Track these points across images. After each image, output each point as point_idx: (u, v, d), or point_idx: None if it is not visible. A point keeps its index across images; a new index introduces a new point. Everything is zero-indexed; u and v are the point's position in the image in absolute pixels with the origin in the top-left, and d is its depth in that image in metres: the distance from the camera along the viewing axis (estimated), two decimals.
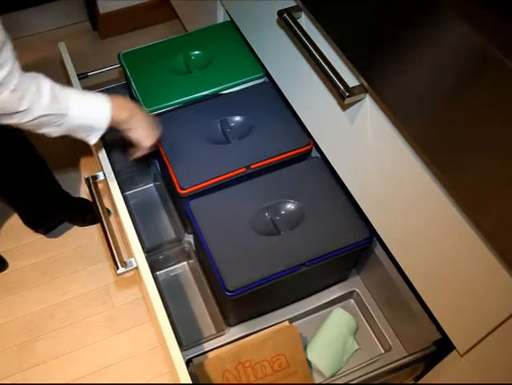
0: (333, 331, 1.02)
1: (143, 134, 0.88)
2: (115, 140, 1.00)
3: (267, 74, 1.09)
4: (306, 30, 0.76)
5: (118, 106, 0.82)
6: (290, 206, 0.95)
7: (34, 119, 0.73)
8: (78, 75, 1.09)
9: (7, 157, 1.13)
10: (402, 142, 0.67)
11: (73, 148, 1.54)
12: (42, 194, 1.27)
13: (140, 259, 0.81)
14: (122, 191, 0.91)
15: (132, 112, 0.84)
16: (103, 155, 0.94)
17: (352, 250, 0.92)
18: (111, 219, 1.34)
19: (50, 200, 1.31)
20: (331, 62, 0.72)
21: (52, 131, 0.77)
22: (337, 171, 0.89)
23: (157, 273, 1.16)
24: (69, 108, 0.75)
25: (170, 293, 1.14)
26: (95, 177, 0.94)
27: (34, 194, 1.26)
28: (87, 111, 0.78)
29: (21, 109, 0.71)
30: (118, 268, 0.82)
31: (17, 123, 0.73)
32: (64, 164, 1.42)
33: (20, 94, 0.70)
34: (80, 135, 0.81)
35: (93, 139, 0.82)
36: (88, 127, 0.80)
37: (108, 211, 1.35)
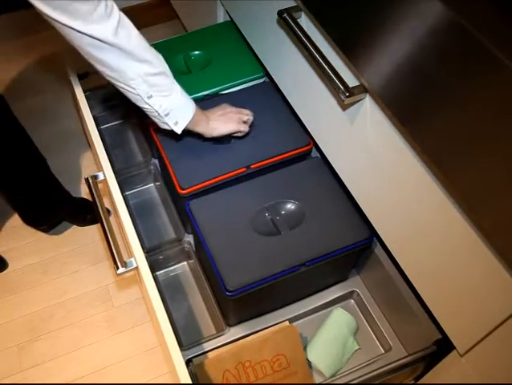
0: (333, 331, 1.01)
1: (224, 127, 0.94)
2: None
3: (267, 74, 1.10)
4: (306, 30, 0.76)
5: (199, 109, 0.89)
6: (290, 206, 0.95)
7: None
8: (78, 75, 1.09)
9: (8, 155, 1.13)
10: (402, 142, 0.67)
11: (73, 148, 1.54)
12: (42, 192, 1.27)
13: (140, 259, 0.81)
14: (122, 191, 0.90)
15: (206, 115, 0.91)
16: (103, 155, 0.94)
17: (352, 250, 0.92)
18: (111, 219, 1.34)
19: (51, 199, 1.31)
20: (331, 62, 0.72)
21: (154, 102, 0.81)
22: (337, 171, 0.89)
23: (157, 273, 1.16)
24: (174, 90, 0.82)
25: (170, 293, 1.14)
26: (95, 177, 0.94)
27: (34, 192, 1.26)
28: (182, 100, 0.84)
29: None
30: (118, 268, 0.82)
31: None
32: (64, 163, 1.42)
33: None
34: (166, 120, 0.84)
35: (177, 128, 0.86)
36: (178, 117, 0.85)
37: (108, 211, 1.35)
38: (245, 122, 0.97)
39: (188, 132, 0.91)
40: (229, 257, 0.88)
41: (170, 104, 0.82)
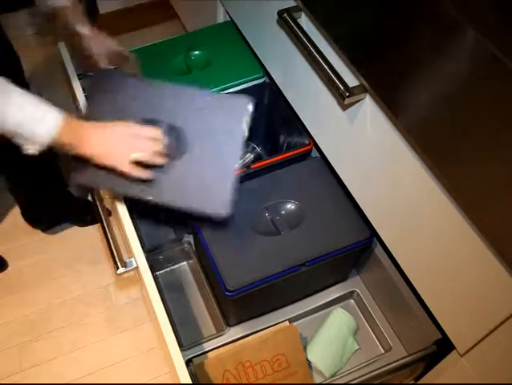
0: (333, 331, 1.01)
1: (105, 159, 0.74)
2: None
3: (267, 74, 1.10)
4: (306, 30, 0.76)
5: (69, 127, 0.72)
6: (290, 206, 0.95)
7: None
8: (78, 75, 1.09)
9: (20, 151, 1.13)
10: (402, 142, 0.67)
11: None
12: (47, 187, 1.27)
13: (140, 259, 0.81)
14: None
15: (84, 136, 0.73)
16: None
17: (352, 250, 0.91)
18: (111, 219, 1.34)
19: (54, 196, 1.31)
20: (331, 62, 0.72)
21: None
22: (337, 171, 0.89)
23: (157, 273, 1.16)
24: (9, 117, 0.69)
25: (170, 293, 1.14)
26: None
27: (39, 186, 1.26)
28: (25, 121, 0.71)
29: None
30: (118, 268, 0.82)
31: None
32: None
33: None
34: (18, 141, 0.72)
35: (29, 150, 0.73)
36: (28, 138, 0.71)
37: (108, 211, 1.35)
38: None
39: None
40: (229, 257, 0.88)
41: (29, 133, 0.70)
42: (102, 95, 0.85)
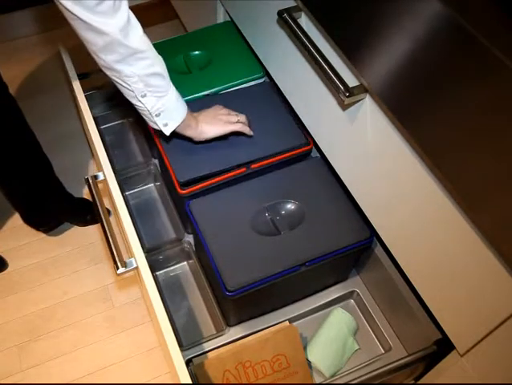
0: (333, 331, 1.01)
1: (213, 130, 0.93)
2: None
3: (267, 74, 1.10)
4: (306, 30, 0.76)
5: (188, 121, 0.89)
6: (290, 206, 0.95)
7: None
8: (78, 75, 1.09)
9: (14, 155, 1.13)
10: (402, 142, 0.67)
11: (73, 148, 1.54)
12: (45, 194, 1.27)
13: (140, 259, 0.81)
14: (122, 191, 0.91)
15: (195, 118, 0.91)
16: (103, 155, 0.94)
17: (352, 250, 0.92)
18: (111, 219, 1.34)
19: (53, 201, 1.31)
20: (331, 62, 0.72)
21: (147, 102, 0.80)
22: (337, 171, 0.90)
23: (157, 273, 1.16)
24: (169, 90, 0.82)
25: (170, 293, 1.14)
26: (95, 177, 0.94)
27: (37, 193, 1.26)
28: (176, 100, 0.84)
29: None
30: (118, 268, 0.82)
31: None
32: (64, 163, 1.42)
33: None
34: (156, 120, 0.84)
35: (166, 130, 0.86)
36: (168, 117, 0.84)
37: (108, 211, 1.35)
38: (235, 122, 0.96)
39: (177, 135, 0.91)
40: (229, 257, 0.88)
41: (162, 106, 0.82)
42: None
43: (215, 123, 0.94)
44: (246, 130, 0.97)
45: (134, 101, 0.82)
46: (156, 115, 0.83)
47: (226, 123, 0.94)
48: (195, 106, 0.95)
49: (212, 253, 0.89)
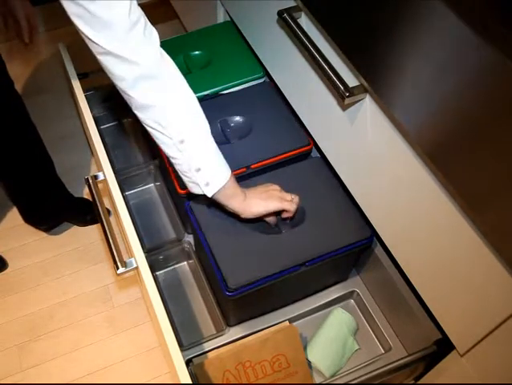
0: (333, 331, 1.01)
1: (265, 205, 0.82)
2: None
3: (267, 74, 1.10)
4: (306, 30, 0.76)
5: (234, 178, 0.79)
6: None
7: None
8: (78, 75, 1.09)
9: (18, 151, 1.14)
10: (402, 142, 0.67)
11: (73, 148, 1.54)
12: (46, 192, 1.28)
13: (140, 259, 0.81)
14: (122, 191, 0.90)
15: (240, 189, 0.81)
16: (103, 155, 0.94)
17: (352, 250, 0.91)
18: (111, 219, 1.34)
19: (54, 199, 1.31)
20: (331, 62, 0.72)
21: (174, 155, 0.73)
22: (337, 171, 0.90)
23: (157, 273, 1.16)
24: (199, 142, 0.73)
25: (170, 293, 1.14)
26: (95, 177, 0.94)
27: (39, 192, 1.26)
28: (211, 160, 0.75)
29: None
30: (118, 268, 0.82)
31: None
32: (64, 163, 1.42)
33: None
34: (191, 179, 0.75)
35: (202, 191, 0.76)
36: (203, 177, 0.75)
37: (108, 211, 1.35)
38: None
39: (222, 209, 0.84)
40: (230, 257, 0.88)
41: (203, 156, 0.73)
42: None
43: (266, 198, 0.82)
44: (293, 210, 0.85)
45: (171, 151, 0.72)
46: (197, 170, 0.73)
47: (280, 199, 0.83)
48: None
49: (212, 253, 0.89)
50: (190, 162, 0.73)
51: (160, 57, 0.67)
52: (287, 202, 0.83)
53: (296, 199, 0.85)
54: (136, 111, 0.71)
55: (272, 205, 0.82)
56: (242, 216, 0.83)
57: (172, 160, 0.75)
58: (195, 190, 0.77)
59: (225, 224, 0.92)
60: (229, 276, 0.86)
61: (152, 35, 0.65)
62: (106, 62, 0.65)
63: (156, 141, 0.73)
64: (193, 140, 0.72)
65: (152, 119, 0.70)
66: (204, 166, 0.74)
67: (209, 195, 0.77)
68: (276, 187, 0.86)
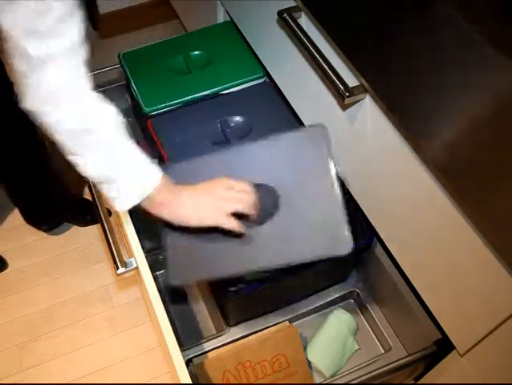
0: (333, 331, 1.01)
1: (200, 219, 0.70)
2: None
3: (267, 74, 1.09)
4: (306, 30, 0.76)
5: (165, 186, 0.69)
6: None
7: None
8: None
9: (18, 151, 1.14)
10: (402, 142, 0.67)
11: None
12: (47, 192, 1.28)
13: (140, 259, 0.81)
14: None
15: (176, 196, 0.70)
16: None
17: (352, 250, 0.91)
18: (111, 219, 1.34)
19: (54, 199, 1.31)
20: (331, 62, 0.72)
21: (87, 166, 0.65)
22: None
23: (157, 273, 1.16)
24: (117, 156, 0.66)
25: (170, 293, 1.14)
26: None
27: (39, 190, 1.26)
28: (131, 173, 0.67)
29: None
30: (118, 268, 0.82)
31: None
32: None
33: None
34: (108, 193, 0.68)
35: (121, 207, 0.68)
36: (122, 190, 0.67)
37: (108, 211, 1.35)
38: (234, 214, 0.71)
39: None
40: (180, 254, 0.86)
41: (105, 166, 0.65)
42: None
43: (206, 210, 0.70)
44: (235, 228, 0.71)
45: (94, 179, 0.67)
46: (120, 196, 0.67)
47: (220, 213, 0.70)
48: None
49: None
50: (113, 189, 0.67)
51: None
52: (226, 219, 0.70)
53: (241, 208, 0.71)
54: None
55: (209, 220, 0.70)
56: (174, 224, 0.72)
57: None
58: (111, 202, 0.69)
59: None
60: (172, 272, 0.78)
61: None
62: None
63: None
64: (118, 180, 0.67)
65: (76, 164, 0.66)
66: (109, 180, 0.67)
67: (118, 209, 0.69)
68: (225, 194, 0.71)
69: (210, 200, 0.70)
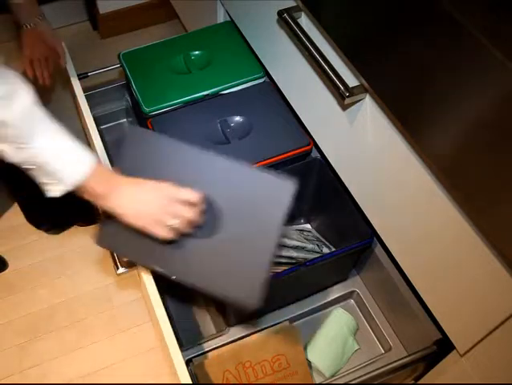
0: (333, 331, 1.01)
1: (134, 218, 0.69)
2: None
3: (267, 74, 1.10)
4: (306, 30, 0.76)
5: (101, 174, 0.67)
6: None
7: None
8: (78, 75, 1.09)
9: None
10: (402, 142, 0.67)
11: None
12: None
13: None
14: None
15: (114, 188, 0.68)
16: (103, 155, 0.94)
17: (352, 250, 0.92)
18: None
19: (54, 199, 1.31)
20: (331, 62, 0.72)
21: (7, 152, 0.64)
22: (337, 171, 0.90)
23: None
24: (38, 139, 0.64)
25: (170, 293, 1.14)
26: None
27: (39, 191, 1.26)
28: (58, 155, 0.65)
29: None
30: (118, 268, 0.82)
31: None
32: None
33: None
34: (39, 178, 0.67)
35: (51, 192, 0.67)
36: (51, 174, 0.66)
37: None
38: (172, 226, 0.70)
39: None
40: None
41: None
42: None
43: (137, 211, 0.69)
44: (187, 230, 0.72)
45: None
46: (33, 171, 0.66)
47: (159, 223, 0.69)
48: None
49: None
50: (28, 167, 0.66)
51: None
52: (160, 229, 0.69)
53: (182, 224, 0.70)
54: None
55: (141, 225, 0.69)
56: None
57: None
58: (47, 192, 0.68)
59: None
60: (102, 235, 0.77)
61: None
62: None
63: None
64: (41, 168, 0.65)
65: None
66: (43, 172, 0.66)
67: (50, 195, 0.68)
68: (166, 201, 0.69)
69: (151, 205, 0.69)
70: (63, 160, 0.66)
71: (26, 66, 1.02)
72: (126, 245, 0.75)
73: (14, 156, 0.64)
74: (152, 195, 0.69)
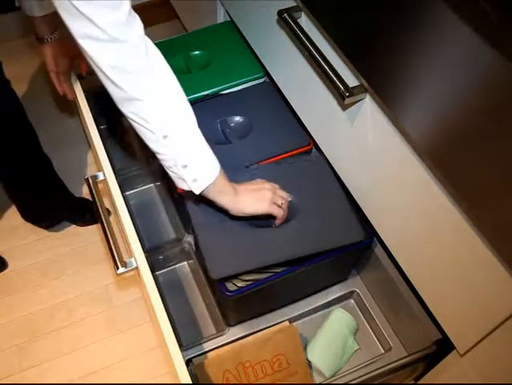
0: (333, 331, 1.01)
1: (257, 204, 0.80)
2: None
3: (267, 74, 1.10)
4: (306, 30, 0.76)
5: (223, 174, 0.76)
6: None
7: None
8: (78, 75, 1.09)
9: (16, 152, 1.14)
10: (402, 142, 0.67)
11: (73, 148, 1.55)
12: (45, 191, 1.28)
13: (140, 259, 0.81)
14: (122, 191, 0.90)
15: (230, 185, 0.78)
16: (103, 155, 0.94)
17: (352, 250, 0.91)
18: (111, 219, 1.34)
19: (53, 198, 1.31)
20: (331, 62, 0.72)
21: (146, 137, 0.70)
22: (337, 170, 0.90)
23: (157, 273, 1.16)
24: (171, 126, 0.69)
25: (170, 293, 1.14)
26: (95, 177, 0.94)
27: (37, 190, 1.26)
28: (206, 147, 0.73)
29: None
30: (118, 268, 0.82)
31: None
32: (64, 163, 1.42)
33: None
34: (175, 175, 0.73)
35: (184, 186, 0.74)
36: (190, 174, 0.72)
37: (108, 211, 1.35)
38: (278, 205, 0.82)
39: (213, 204, 0.80)
40: (215, 249, 0.87)
41: (190, 152, 0.70)
42: None
43: (259, 199, 0.80)
44: (281, 219, 0.84)
45: (155, 146, 0.70)
46: (184, 167, 0.71)
47: (271, 204, 0.80)
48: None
49: (198, 244, 0.88)
50: (176, 158, 0.70)
51: (144, 44, 0.70)
52: (276, 208, 0.81)
53: (286, 205, 0.83)
54: (118, 104, 0.69)
55: (261, 208, 0.80)
56: (231, 213, 0.80)
57: (158, 156, 0.72)
58: (182, 186, 0.74)
59: (224, 222, 0.91)
60: (212, 266, 0.83)
61: (136, 20, 0.66)
62: (92, 48, 0.62)
63: (140, 135, 0.71)
64: (178, 136, 0.69)
65: (135, 113, 0.68)
66: (190, 162, 0.71)
67: (197, 192, 0.74)
68: (269, 186, 0.82)
69: (261, 192, 0.81)
70: (208, 158, 0.75)
71: (54, 80, 1.03)
72: (237, 262, 0.83)
73: (178, 148, 0.70)
74: (261, 186, 0.82)
